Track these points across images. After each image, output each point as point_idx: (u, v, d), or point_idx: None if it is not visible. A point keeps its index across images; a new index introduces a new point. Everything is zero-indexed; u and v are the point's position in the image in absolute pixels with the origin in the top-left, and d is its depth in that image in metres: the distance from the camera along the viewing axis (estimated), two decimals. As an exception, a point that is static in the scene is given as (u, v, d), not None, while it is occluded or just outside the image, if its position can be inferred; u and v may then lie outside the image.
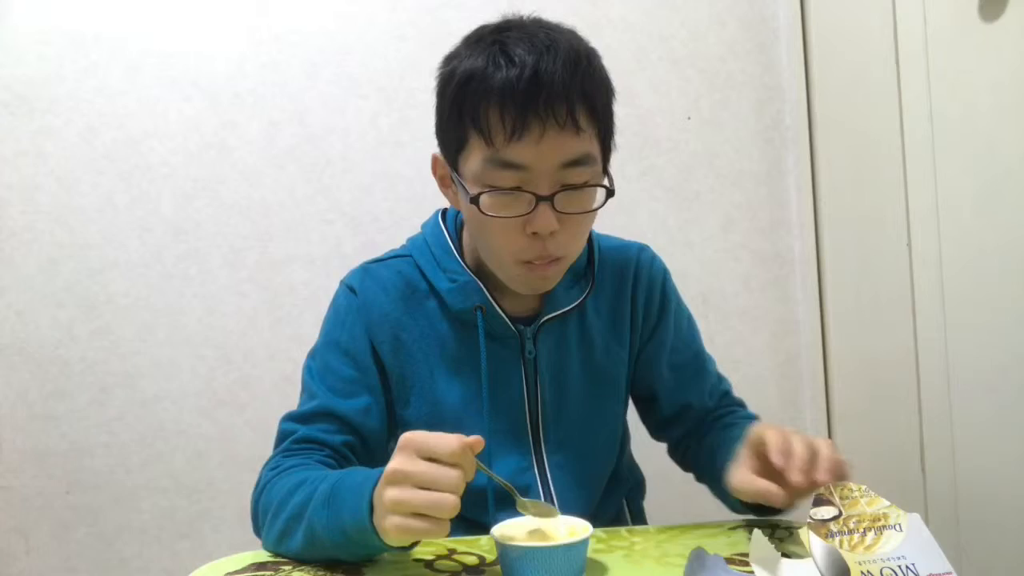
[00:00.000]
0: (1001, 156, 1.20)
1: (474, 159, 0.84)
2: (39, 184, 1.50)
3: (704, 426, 1.06)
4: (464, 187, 0.85)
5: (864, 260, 1.56)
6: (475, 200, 0.83)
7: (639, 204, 1.65)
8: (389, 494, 0.68)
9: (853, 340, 1.63)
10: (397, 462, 0.69)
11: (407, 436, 0.70)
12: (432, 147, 1.69)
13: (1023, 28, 1.15)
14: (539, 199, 0.82)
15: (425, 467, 0.68)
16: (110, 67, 1.52)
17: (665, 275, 1.07)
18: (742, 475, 0.81)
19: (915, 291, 1.39)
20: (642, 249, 1.07)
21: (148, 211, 1.53)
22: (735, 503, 0.91)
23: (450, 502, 0.67)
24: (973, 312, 1.28)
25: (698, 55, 1.67)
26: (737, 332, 1.67)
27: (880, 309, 1.50)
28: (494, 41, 0.83)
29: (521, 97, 0.79)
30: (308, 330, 1.55)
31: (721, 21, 1.68)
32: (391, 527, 0.68)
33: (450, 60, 0.88)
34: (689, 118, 1.67)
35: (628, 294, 1.03)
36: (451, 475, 0.68)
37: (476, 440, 0.70)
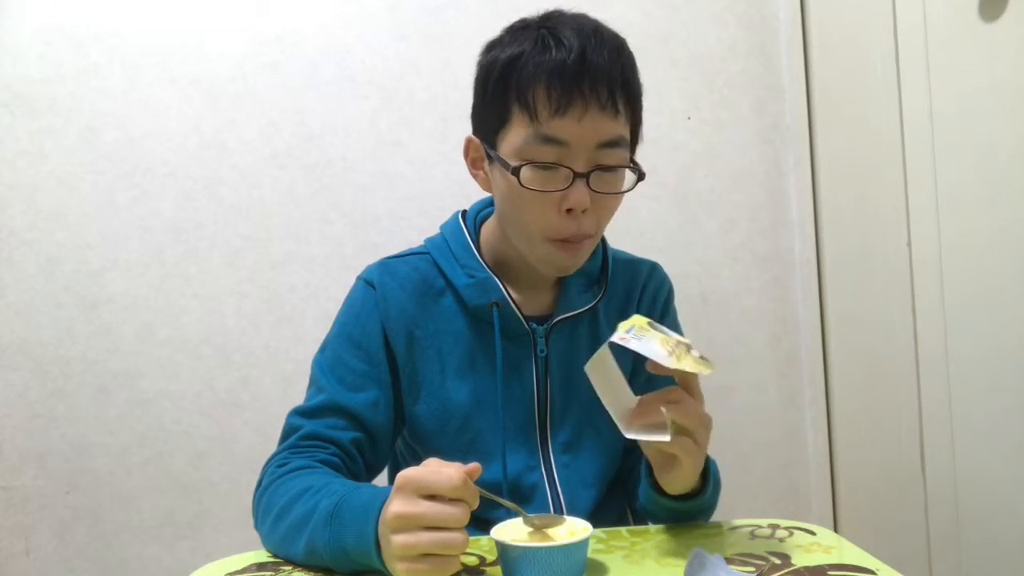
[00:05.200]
0: (1001, 156, 1.20)
1: (516, 135, 0.87)
2: (39, 184, 1.50)
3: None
4: (504, 161, 0.88)
5: (864, 260, 1.56)
6: (516, 172, 0.86)
7: (639, 204, 1.65)
8: (397, 540, 0.67)
9: (853, 340, 1.63)
10: (398, 505, 0.68)
11: (404, 475, 0.69)
12: (431, 147, 1.68)
13: (1023, 28, 1.15)
14: (576, 176, 0.86)
15: (427, 507, 0.67)
16: (110, 67, 1.52)
17: (670, 292, 1.10)
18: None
19: (915, 291, 1.39)
20: (654, 266, 1.10)
21: (148, 211, 1.53)
22: (653, 498, 0.89)
23: (459, 540, 0.67)
24: (973, 312, 1.28)
25: (698, 55, 1.67)
26: (737, 332, 1.67)
27: (880, 309, 1.50)
28: (541, 27, 0.88)
29: (568, 76, 0.84)
30: (308, 330, 1.55)
31: (721, 21, 1.68)
32: (403, 572, 0.68)
33: (492, 47, 0.92)
34: (689, 118, 1.67)
35: (635, 304, 1.05)
36: (456, 513, 0.67)
37: (474, 468, 0.70)
